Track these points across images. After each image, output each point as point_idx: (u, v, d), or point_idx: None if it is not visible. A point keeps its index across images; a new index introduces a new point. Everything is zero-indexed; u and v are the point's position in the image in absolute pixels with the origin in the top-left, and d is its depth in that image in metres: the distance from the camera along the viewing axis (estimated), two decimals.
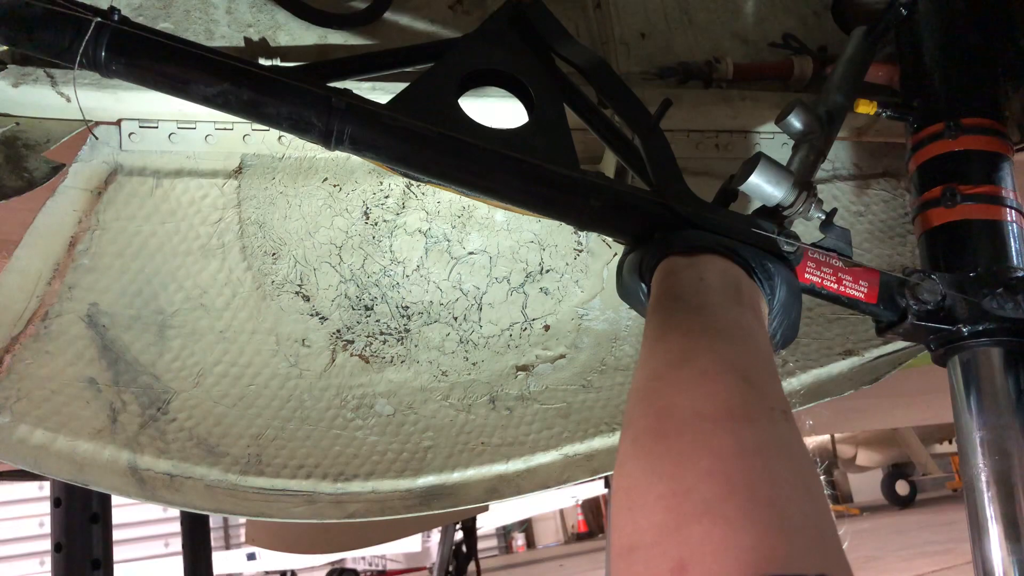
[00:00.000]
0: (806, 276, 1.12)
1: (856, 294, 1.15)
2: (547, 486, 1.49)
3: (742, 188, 1.13)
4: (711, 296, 0.93)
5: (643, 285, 1.05)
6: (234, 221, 1.35)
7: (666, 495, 0.67)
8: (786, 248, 1.09)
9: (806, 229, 1.29)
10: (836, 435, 13.62)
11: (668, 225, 1.07)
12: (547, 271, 1.51)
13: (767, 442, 0.71)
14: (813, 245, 1.14)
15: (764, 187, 1.11)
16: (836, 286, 1.14)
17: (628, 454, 0.75)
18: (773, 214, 1.14)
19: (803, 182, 1.14)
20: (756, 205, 1.17)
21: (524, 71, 1.21)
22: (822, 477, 0.73)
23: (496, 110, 1.32)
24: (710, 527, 0.62)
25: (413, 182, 1.41)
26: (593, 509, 20.05)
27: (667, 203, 1.09)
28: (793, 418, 0.76)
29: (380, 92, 1.29)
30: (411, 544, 11.23)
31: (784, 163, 1.21)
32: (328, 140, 1.06)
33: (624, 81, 1.25)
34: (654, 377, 0.82)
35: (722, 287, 0.96)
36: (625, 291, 1.10)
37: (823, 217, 1.15)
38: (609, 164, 1.45)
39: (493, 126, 1.16)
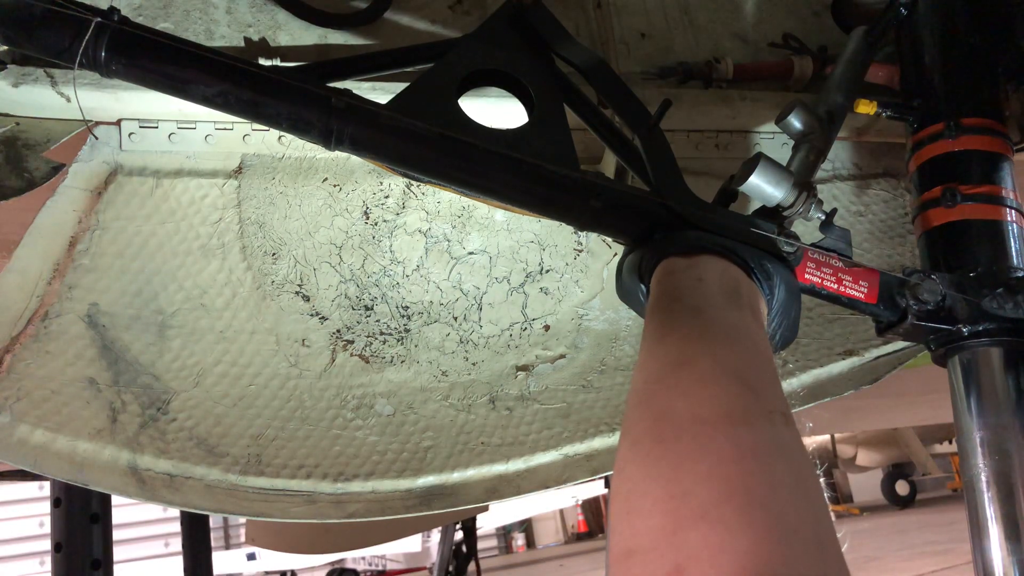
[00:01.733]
0: (806, 276, 1.12)
1: (856, 294, 1.15)
2: (547, 486, 1.49)
3: (742, 188, 1.12)
4: (710, 297, 0.93)
5: (642, 286, 1.05)
6: (234, 221, 1.35)
7: (663, 499, 0.67)
8: (786, 249, 1.09)
9: (806, 229, 1.29)
10: (836, 435, 13.62)
11: (668, 225, 1.07)
12: (547, 271, 1.51)
13: (765, 446, 0.71)
14: (813, 245, 1.14)
15: (764, 187, 1.11)
16: (836, 286, 1.14)
17: (627, 458, 0.75)
18: (773, 215, 1.13)
19: (803, 183, 1.13)
20: (756, 205, 1.17)
21: (524, 71, 1.21)
22: (822, 480, 0.73)
23: (496, 110, 1.32)
24: (707, 532, 0.62)
25: (413, 182, 1.41)
26: (593, 509, 20.05)
27: (667, 203, 1.09)
28: (793, 421, 0.76)
29: (380, 92, 1.29)
30: (411, 544, 11.23)
31: (784, 163, 1.21)
32: (328, 140, 1.06)
33: (624, 81, 1.25)
34: (652, 380, 0.81)
35: (721, 288, 0.95)
36: (624, 292, 1.09)
37: (823, 217, 1.15)
38: (609, 164, 1.45)
39: (493, 126, 1.16)
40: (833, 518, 0.69)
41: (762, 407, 0.75)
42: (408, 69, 1.28)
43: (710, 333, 0.86)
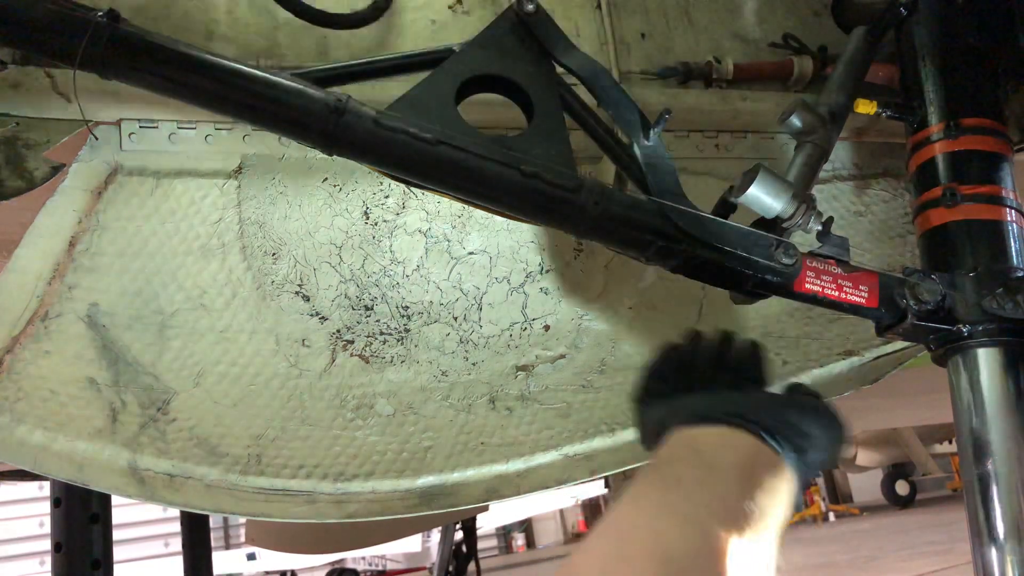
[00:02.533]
0: (806, 286, 1.12)
1: (857, 299, 1.15)
2: (547, 486, 1.49)
3: (741, 200, 1.12)
4: (697, 471, 0.87)
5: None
6: (234, 221, 1.35)
7: None
8: (784, 260, 1.08)
9: (804, 240, 1.29)
10: None
11: (665, 236, 1.07)
12: (547, 271, 1.51)
13: None
14: (811, 253, 1.14)
15: (763, 199, 1.11)
16: (837, 293, 1.14)
17: None
18: (772, 226, 1.13)
19: (802, 193, 1.13)
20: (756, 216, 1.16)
21: (524, 78, 1.20)
22: None
23: (495, 117, 1.32)
24: None
25: None
26: (593, 509, 20.05)
27: (665, 214, 1.09)
28: None
29: (379, 97, 1.28)
30: (411, 544, 11.24)
31: (788, 163, 1.21)
32: (326, 144, 1.06)
33: (624, 88, 1.24)
34: (590, 541, 0.79)
35: (719, 461, 0.88)
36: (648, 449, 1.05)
37: (820, 228, 1.15)
38: (608, 170, 1.45)
39: (492, 133, 1.16)
40: None
41: None
42: (409, 74, 1.28)
43: (667, 510, 0.81)
